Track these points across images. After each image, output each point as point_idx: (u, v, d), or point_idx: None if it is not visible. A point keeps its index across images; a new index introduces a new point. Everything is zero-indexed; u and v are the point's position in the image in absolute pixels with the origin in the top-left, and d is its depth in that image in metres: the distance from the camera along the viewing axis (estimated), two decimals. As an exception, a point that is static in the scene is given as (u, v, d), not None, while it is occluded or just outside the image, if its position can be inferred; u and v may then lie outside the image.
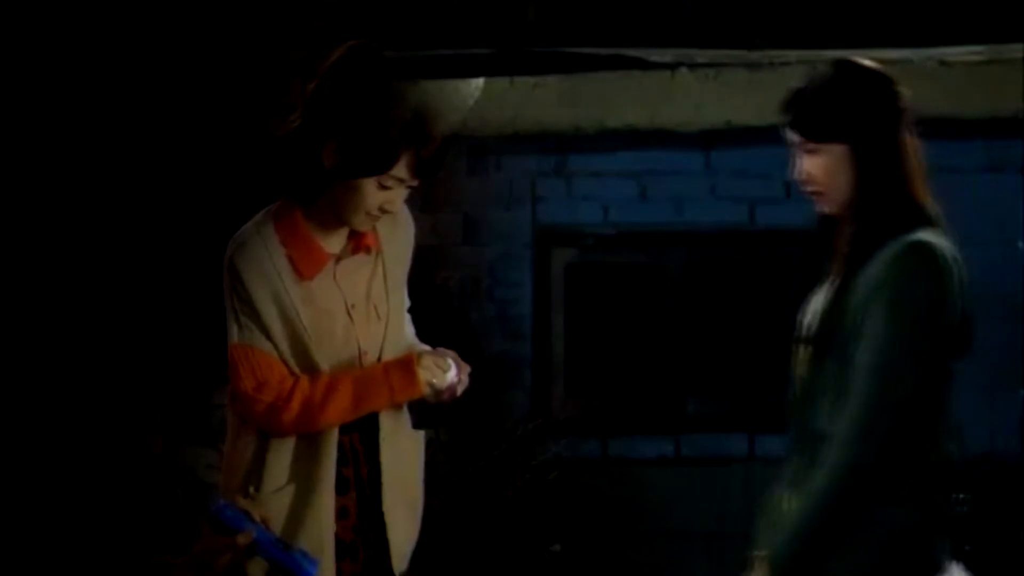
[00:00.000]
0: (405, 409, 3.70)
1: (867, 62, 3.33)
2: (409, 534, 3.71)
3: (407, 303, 3.77)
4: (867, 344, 3.15)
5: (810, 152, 3.30)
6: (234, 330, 3.55)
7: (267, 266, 3.53)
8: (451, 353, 3.62)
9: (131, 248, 5.93)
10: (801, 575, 3.19)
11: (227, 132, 5.79)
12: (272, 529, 2.96)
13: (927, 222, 3.25)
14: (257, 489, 3.52)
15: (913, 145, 3.29)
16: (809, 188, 3.33)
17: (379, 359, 3.61)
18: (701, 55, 6.09)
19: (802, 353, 3.33)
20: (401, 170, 3.48)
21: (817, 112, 3.28)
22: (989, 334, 6.08)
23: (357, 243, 3.61)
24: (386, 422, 3.63)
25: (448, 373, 3.57)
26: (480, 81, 5.97)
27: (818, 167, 3.29)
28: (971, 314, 3.26)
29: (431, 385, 3.56)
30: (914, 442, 3.16)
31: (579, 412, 6.21)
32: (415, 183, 3.53)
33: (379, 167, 3.46)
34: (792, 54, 5.96)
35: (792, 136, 3.33)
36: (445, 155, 3.54)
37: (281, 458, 3.58)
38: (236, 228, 3.60)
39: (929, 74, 6.02)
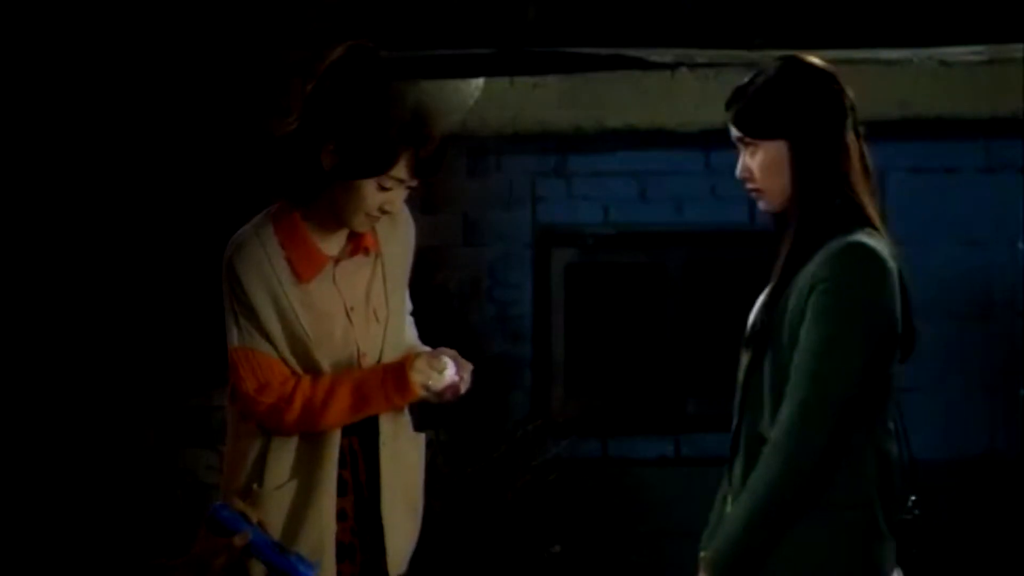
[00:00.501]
0: (406, 412, 3.69)
1: (813, 59, 3.27)
2: (409, 536, 3.70)
3: (409, 305, 3.76)
4: (803, 346, 3.10)
5: (750, 148, 3.25)
6: (234, 332, 3.54)
7: (266, 268, 3.52)
8: (450, 352, 3.59)
9: (131, 249, 5.92)
10: None
11: (226, 133, 5.78)
12: (270, 531, 2.96)
13: (867, 223, 3.18)
14: (259, 486, 3.52)
15: (856, 145, 3.22)
16: (749, 185, 3.28)
17: (378, 361, 3.60)
18: (701, 55, 6.08)
19: (744, 356, 3.29)
20: (400, 171, 3.47)
21: (756, 108, 3.23)
22: (989, 334, 6.16)
23: (356, 245, 3.60)
24: (386, 426, 3.62)
25: (445, 373, 3.54)
26: (480, 81, 5.96)
27: (757, 164, 3.24)
28: (912, 317, 3.19)
29: (427, 387, 3.55)
30: (852, 445, 3.10)
31: (579, 412, 6.21)
32: (414, 184, 3.52)
33: (378, 168, 3.45)
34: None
35: (734, 132, 3.28)
36: (444, 155, 3.53)
37: (282, 459, 3.57)
38: (235, 229, 3.59)
39: (929, 74, 6.02)
